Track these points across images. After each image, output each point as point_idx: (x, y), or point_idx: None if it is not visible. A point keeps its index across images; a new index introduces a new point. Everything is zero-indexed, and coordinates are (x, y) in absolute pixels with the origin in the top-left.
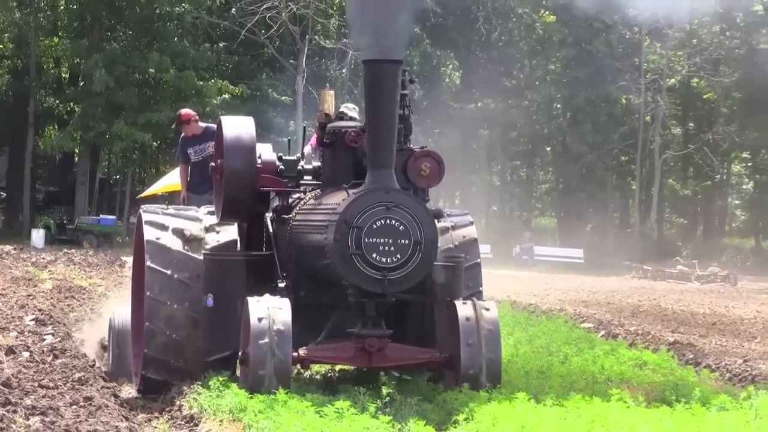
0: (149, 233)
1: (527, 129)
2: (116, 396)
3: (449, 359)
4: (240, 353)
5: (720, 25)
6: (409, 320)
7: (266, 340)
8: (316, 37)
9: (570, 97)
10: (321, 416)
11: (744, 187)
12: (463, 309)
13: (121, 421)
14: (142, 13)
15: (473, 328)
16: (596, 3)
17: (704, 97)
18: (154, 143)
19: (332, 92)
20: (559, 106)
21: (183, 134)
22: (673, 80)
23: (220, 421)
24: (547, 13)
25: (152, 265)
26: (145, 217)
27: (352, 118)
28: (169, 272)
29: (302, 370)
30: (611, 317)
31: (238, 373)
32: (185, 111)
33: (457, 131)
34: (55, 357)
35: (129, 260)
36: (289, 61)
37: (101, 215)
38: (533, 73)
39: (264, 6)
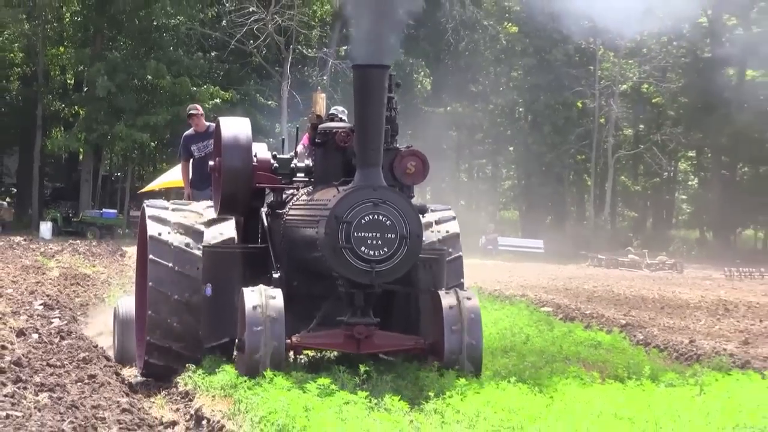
0: (152, 228)
1: (492, 130)
2: (118, 374)
3: (433, 345)
4: (237, 340)
5: (668, 36)
6: (395, 309)
7: (261, 327)
8: (299, 46)
9: (531, 101)
10: (304, 392)
11: (689, 183)
12: (447, 298)
13: (122, 396)
14: (141, 24)
15: (456, 315)
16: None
17: (653, 101)
18: (152, 143)
19: (323, 95)
20: (521, 109)
21: (185, 133)
22: (624, 86)
23: (213, 396)
24: (510, 24)
25: (155, 258)
26: (149, 212)
27: (341, 120)
28: (170, 264)
29: (295, 356)
30: (569, 302)
31: (234, 358)
32: (194, 106)
33: (428, 133)
34: (62, 338)
35: (129, 250)
36: (274, 68)
37: (103, 209)
38: (497, 79)
39: (252, 18)
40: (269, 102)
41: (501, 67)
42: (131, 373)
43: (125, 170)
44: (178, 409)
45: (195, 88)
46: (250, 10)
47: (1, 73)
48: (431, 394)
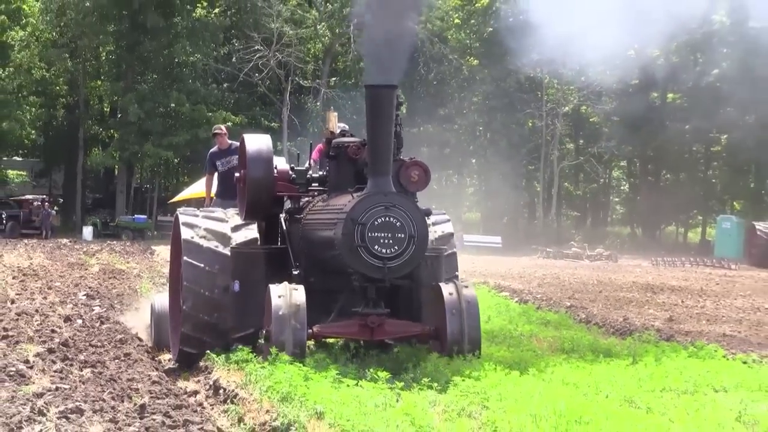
0: (185, 233)
1: (458, 146)
2: (149, 352)
3: (436, 331)
4: (263, 331)
5: (602, 65)
6: (401, 301)
7: (285, 312)
8: (296, 78)
9: (489, 121)
10: (304, 365)
11: (622, 188)
12: (446, 288)
13: (153, 371)
14: (165, 61)
15: (456, 301)
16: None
17: (591, 120)
18: (175, 159)
19: (335, 114)
20: (481, 128)
21: (211, 150)
22: (567, 108)
23: (228, 370)
24: (471, 58)
25: (188, 260)
26: (182, 219)
27: (350, 135)
28: (201, 265)
29: (315, 344)
30: (522, 287)
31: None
32: (218, 126)
33: (404, 150)
34: (102, 323)
35: (157, 249)
36: (276, 96)
37: (136, 215)
38: (461, 104)
39: (257, 55)
40: (272, 124)
41: (464, 94)
42: (166, 359)
43: (153, 182)
44: (198, 381)
45: (210, 114)
46: (256, 48)
47: (49, 102)
48: (409, 365)
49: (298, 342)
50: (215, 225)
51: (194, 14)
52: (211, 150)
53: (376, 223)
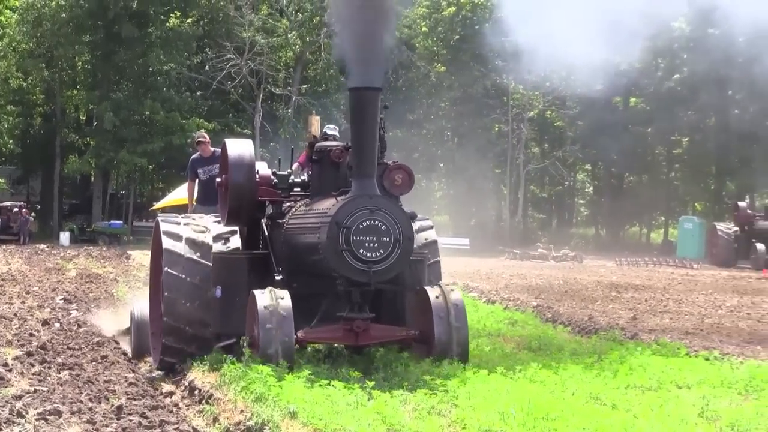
0: (166, 242)
1: (426, 151)
2: (125, 354)
3: (422, 335)
4: (247, 338)
5: (566, 71)
6: (384, 305)
7: (272, 324)
8: (268, 86)
9: (457, 126)
10: (278, 366)
11: (586, 190)
12: (433, 291)
13: (129, 372)
14: (139, 70)
15: (443, 305)
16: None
17: (555, 124)
18: (150, 166)
19: (318, 118)
20: (449, 133)
21: (193, 156)
22: (532, 113)
23: (203, 371)
24: (438, 65)
25: (169, 270)
26: (163, 227)
27: (334, 137)
28: (183, 276)
29: (301, 350)
30: (490, 288)
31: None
32: (201, 134)
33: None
34: (79, 326)
35: (133, 254)
36: (248, 104)
37: (112, 221)
38: (429, 109)
39: (229, 64)
40: (244, 131)
41: (432, 99)
42: (146, 368)
43: (128, 188)
44: (174, 382)
45: (184, 121)
46: (228, 56)
47: (26, 111)
48: (381, 365)
49: (286, 354)
50: (197, 234)
51: (168, 24)
52: (193, 157)
53: (361, 226)
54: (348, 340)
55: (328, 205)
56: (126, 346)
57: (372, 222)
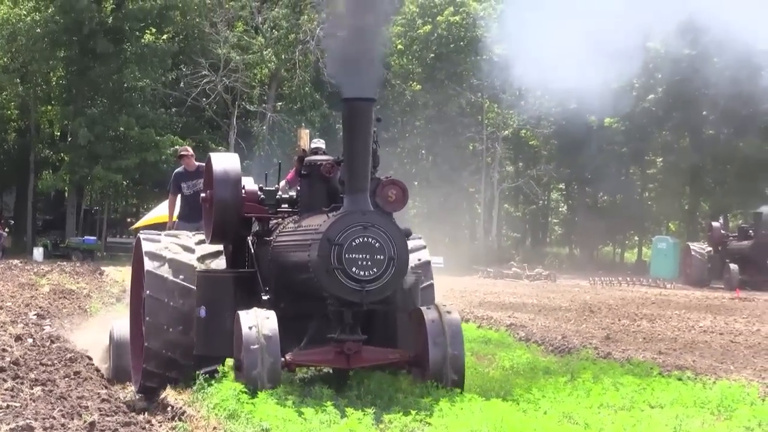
0: (148, 264)
1: (401, 169)
2: (98, 370)
3: (416, 358)
4: (234, 361)
5: (541, 90)
6: (375, 326)
7: (257, 346)
8: (243, 103)
9: (432, 145)
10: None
11: (560, 209)
12: (429, 313)
13: (102, 389)
14: (114, 86)
15: (439, 329)
16: (449, 75)
17: (530, 143)
18: (124, 182)
19: (307, 131)
20: (423, 151)
21: (176, 170)
22: (506, 132)
23: (176, 387)
24: (413, 83)
25: (151, 294)
26: (145, 247)
27: (324, 152)
28: (165, 300)
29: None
30: (464, 306)
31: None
32: (185, 148)
33: None
34: (52, 342)
35: (107, 269)
36: (223, 120)
37: (85, 236)
38: (404, 127)
39: (204, 80)
40: (219, 147)
41: (407, 117)
42: (126, 393)
43: (103, 204)
44: (147, 399)
45: (159, 138)
46: (203, 73)
47: (0, 126)
48: (353, 383)
49: (272, 377)
50: (181, 255)
51: (143, 40)
52: (176, 170)
53: (353, 243)
54: (339, 363)
55: (318, 221)
56: (99, 363)
57: (365, 239)
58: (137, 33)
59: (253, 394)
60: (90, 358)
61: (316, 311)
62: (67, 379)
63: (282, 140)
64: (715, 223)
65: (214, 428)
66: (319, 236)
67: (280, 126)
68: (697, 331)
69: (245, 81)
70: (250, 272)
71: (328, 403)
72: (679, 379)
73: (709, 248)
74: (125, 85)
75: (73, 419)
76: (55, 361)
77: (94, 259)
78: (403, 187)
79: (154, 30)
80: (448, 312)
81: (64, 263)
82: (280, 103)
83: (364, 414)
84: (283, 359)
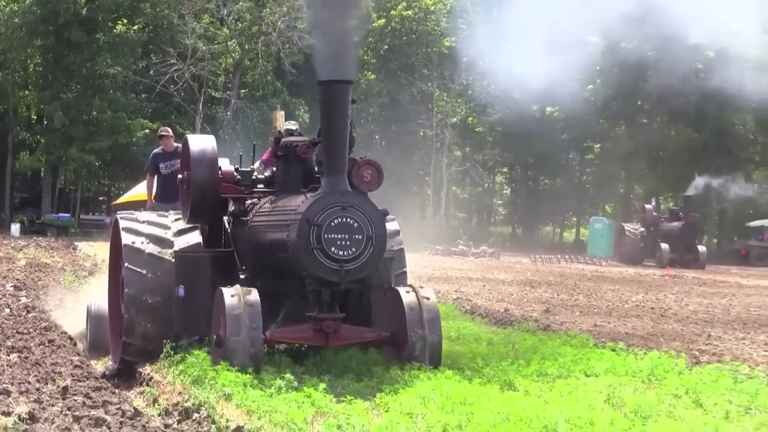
0: (126, 238)
1: (355, 154)
2: (71, 339)
3: (392, 337)
4: (215, 337)
5: (487, 81)
6: (350, 304)
7: (240, 311)
8: (208, 90)
9: (385, 130)
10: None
11: (504, 192)
12: (407, 297)
13: (75, 356)
14: (88, 73)
15: (417, 314)
16: (401, 66)
17: (476, 130)
18: (97, 163)
19: (282, 113)
20: (377, 137)
21: (155, 150)
22: (455, 119)
23: (152, 364)
24: (368, 73)
25: (129, 266)
26: (122, 223)
27: (298, 133)
28: (143, 272)
29: (268, 349)
30: (414, 281)
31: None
32: (165, 128)
33: None
34: (28, 312)
35: (80, 245)
36: (190, 106)
37: (60, 214)
38: (359, 114)
39: (173, 69)
40: (186, 132)
41: (362, 105)
42: (103, 366)
43: (76, 184)
44: (124, 371)
45: (129, 121)
46: (171, 62)
47: None
48: (310, 353)
49: (254, 346)
50: (157, 230)
51: (115, 30)
52: (155, 151)
53: (332, 223)
54: (317, 340)
55: (297, 202)
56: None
57: (344, 219)
58: (109, 23)
59: (232, 361)
60: (64, 330)
61: (293, 290)
62: (41, 346)
63: (245, 125)
64: (647, 206)
65: (180, 393)
66: (298, 217)
67: (244, 112)
68: (630, 305)
69: (211, 69)
70: (227, 252)
71: (286, 370)
72: (613, 350)
73: (642, 229)
74: (98, 72)
75: (47, 384)
76: (31, 330)
77: (68, 235)
78: (379, 168)
79: (125, 21)
80: (426, 297)
81: (40, 239)
82: (243, 91)
83: (320, 381)
84: (263, 336)
